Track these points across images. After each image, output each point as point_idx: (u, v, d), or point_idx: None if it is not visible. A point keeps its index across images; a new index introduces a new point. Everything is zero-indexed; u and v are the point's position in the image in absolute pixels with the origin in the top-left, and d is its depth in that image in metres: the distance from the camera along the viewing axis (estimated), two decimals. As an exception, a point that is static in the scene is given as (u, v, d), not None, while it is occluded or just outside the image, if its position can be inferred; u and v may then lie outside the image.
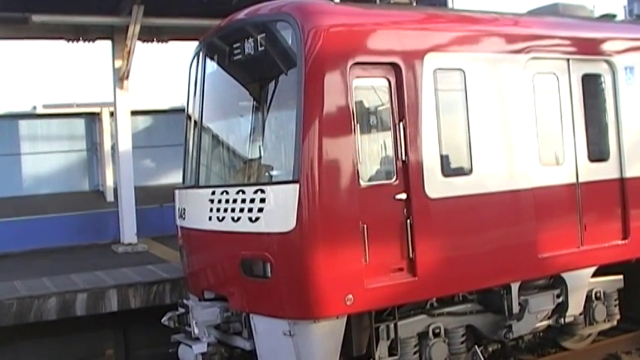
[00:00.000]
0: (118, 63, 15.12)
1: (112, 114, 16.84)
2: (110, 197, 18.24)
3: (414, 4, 9.23)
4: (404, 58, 8.00)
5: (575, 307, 9.50)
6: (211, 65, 9.07)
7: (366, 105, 7.85)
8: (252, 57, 8.25)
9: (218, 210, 8.29)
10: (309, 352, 7.61)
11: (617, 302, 10.19)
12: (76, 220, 17.20)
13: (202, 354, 8.31)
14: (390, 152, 7.94)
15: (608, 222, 9.71)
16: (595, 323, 9.97)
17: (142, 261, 13.24)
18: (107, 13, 14.40)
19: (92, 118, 19.43)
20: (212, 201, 8.40)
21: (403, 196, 7.93)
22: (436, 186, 8.12)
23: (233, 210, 8.02)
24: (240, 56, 8.46)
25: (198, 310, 8.44)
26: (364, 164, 7.72)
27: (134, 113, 16.76)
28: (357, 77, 7.69)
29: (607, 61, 9.86)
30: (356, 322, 7.92)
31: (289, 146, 7.56)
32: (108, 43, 15.39)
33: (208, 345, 8.37)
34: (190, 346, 8.31)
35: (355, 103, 7.65)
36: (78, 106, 21.17)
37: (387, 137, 7.95)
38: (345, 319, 7.73)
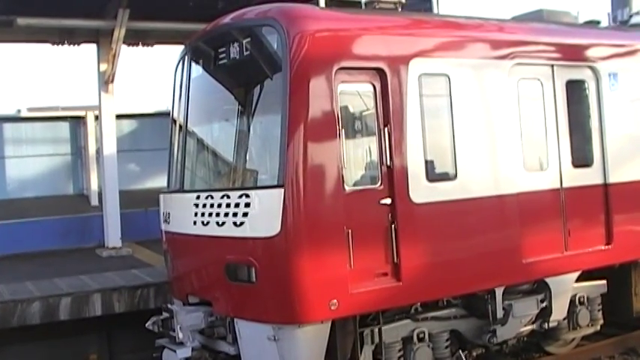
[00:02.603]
0: (103, 66, 15.09)
1: (96, 117, 16.80)
2: (95, 201, 18.17)
3: (400, 9, 9.28)
4: (389, 63, 8.02)
5: (559, 311, 9.54)
6: (197, 69, 9.06)
7: (351, 110, 7.87)
8: (237, 61, 8.25)
9: (203, 214, 8.27)
10: (294, 357, 7.62)
11: (600, 307, 10.23)
12: (61, 224, 17.10)
13: (186, 359, 8.29)
14: (375, 157, 7.96)
15: (591, 227, 9.76)
16: (579, 328, 10.01)
17: (126, 265, 13.23)
18: (93, 16, 14.36)
19: (77, 122, 19.38)
20: (197, 205, 8.39)
21: (388, 201, 7.94)
22: (421, 191, 8.14)
23: (218, 214, 8.01)
24: (225, 60, 8.45)
25: (182, 315, 8.41)
26: (349, 169, 7.73)
27: (119, 117, 16.72)
28: (343, 82, 7.70)
29: (591, 68, 9.92)
30: (340, 326, 7.92)
31: (274, 151, 7.56)
32: (93, 47, 15.37)
33: (192, 349, 8.36)
34: (174, 351, 8.29)
35: (340, 108, 7.66)
36: (63, 109, 21.09)
37: (372, 142, 7.97)
38: (330, 324, 7.73)
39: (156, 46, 15.96)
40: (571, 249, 9.47)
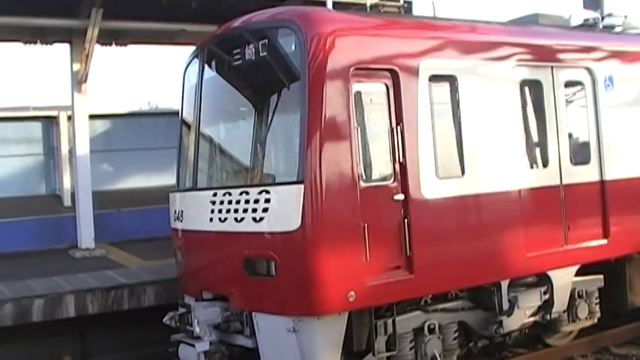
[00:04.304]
0: (77, 66, 15.01)
1: (69, 118, 16.73)
2: (67, 202, 18.07)
3: (403, 12, 9.58)
4: (401, 64, 8.32)
5: (560, 304, 9.88)
6: (210, 71, 9.28)
7: (366, 109, 8.13)
8: (252, 63, 8.49)
9: (220, 211, 8.49)
10: (313, 348, 7.85)
11: (597, 300, 10.58)
12: (33, 225, 16.99)
13: (204, 352, 8.48)
14: (388, 154, 8.23)
15: (589, 222, 10.10)
16: (578, 320, 10.34)
17: (100, 266, 13.20)
18: (65, 15, 14.22)
19: (49, 122, 19.29)
20: (214, 202, 8.61)
21: (401, 196, 8.23)
22: (431, 187, 8.44)
23: (236, 211, 8.24)
24: (240, 62, 8.69)
25: (199, 310, 8.62)
26: (364, 166, 7.99)
27: (92, 117, 16.68)
28: (357, 82, 7.98)
29: (588, 69, 10.29)
30: (356, 318, 8.17)
31: (293, 148, 7.81)
32: (66, 46, 15.28)
33: (210, 344, 8.55)
34: (193, 345, 8.48)
35: (355, 107, 7.94)
36: (35, 109, 20.99)
37: (385, 140, 8.24)
38: (347, 315, 7.99)
39: (130, 46, 15.93)
40: (571, 243, 9.81)
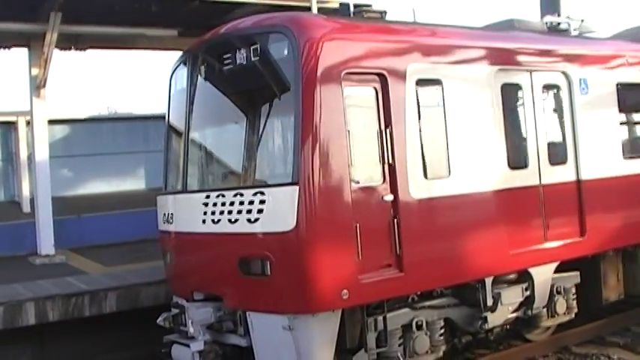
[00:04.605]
0: (35, 71, 14.91)
1: (28, 123, 16.63)
2: (27, 208, 17.98)
3: (385, 17, 9.81)
4: (389, 68, 8.57)
5: (541, 299, 10.20)
6: (200, 75, 9.41)
7: (356, 112, 8.35)
8: (244, 67, 8.66)
9: (213, 213, 8.65)
10: (308, 345, 8.05)
11: (575, 296, 10.93)
12: None
13: (199, 352, 8.62)
14: (378, 156, 8.47)
15: (567, 221, 10.44)
16: (556, 316, 10.68)
17: (60, 273, 13.09)
18: (24, 19, 14.09)
19: (8, 127, 19.17)
20: (206, 204, 8.76)
21: (390, 197, 8.47)
22: (419, 187, 8.70)
23: (230, 212, 8.40)
24: (231, 66, 8.86)
25: (193, 310, 8.76)
26: (355, 167, 8.21)
27: (51, 122, 16.56)
28: (348, 86, 8.21)
29: (564, 73, 10.64)
30: (349, 315, 8.39)
31: (288, 150, 8.02)
32: (24, 51, 15.15)
33: (204, 343, 8.70)
34: (188, 345, 8.62)
35: (347, 110, 8.16)
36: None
37: (375, 142, 8.47)
38: (340, 312, 8.21)
39: (89, 51, 15.88)
40: (550, 241, 10.14)
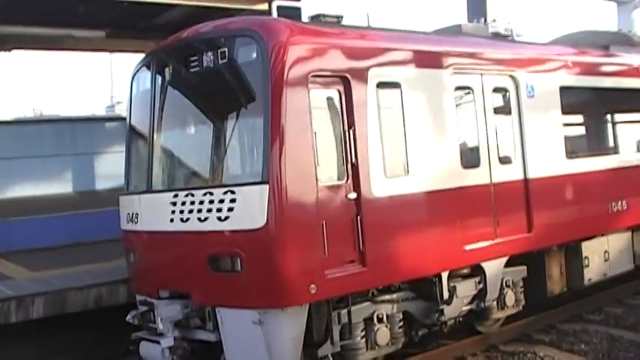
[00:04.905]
0: None
1: None
2: None
3: (341, 22, 10.16)
4: (352, 71, 8.92)
5: (493, 292, 10.70)
6: (165, 77, 9.57)
7: (322, 113, 8.68)
8: (211, 70, 8.89)
9: (182, 212, 8.85)
10: (278, 339, 8.33)
11: (522, 289, 11.49)
12: None
13: (169, 348, 8.81)
14: (342, 156, 8.81)
15: (515, 217, 10.96)
16: (506, 308, 11.21)
17: None
18: None
19: None
20: (174, 204, 8.96)
21: (354, 195, 8.81)
22: (380, 186, 9.07)
23: (200, 211, 8.62)
24: (197, 69, 9.07)
25: (162, 307, 8.94)
26: (321, 167, 8.53)
27: None
28: (314, 88, 8.53)
29: (512, 77, 11.18)
30: (315, 309, 8.69)
31: (257, 151, 8.29)
32: None
33: (174, 340, 8.89)
34: (158, 342, 8.79)
35: (313, 111, 8.48)
36: None
37: (339, 142, 8.81)
38: (307, 307, 8.51)
39: (14, 51, 15.77)
40: (500, 237, 10.63)
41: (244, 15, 13.06)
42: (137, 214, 9.69)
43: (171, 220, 8.99)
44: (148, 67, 9.99)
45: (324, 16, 9.87)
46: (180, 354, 8.97)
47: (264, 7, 13.23)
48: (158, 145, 9.65)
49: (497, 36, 12.48)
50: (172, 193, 9.08)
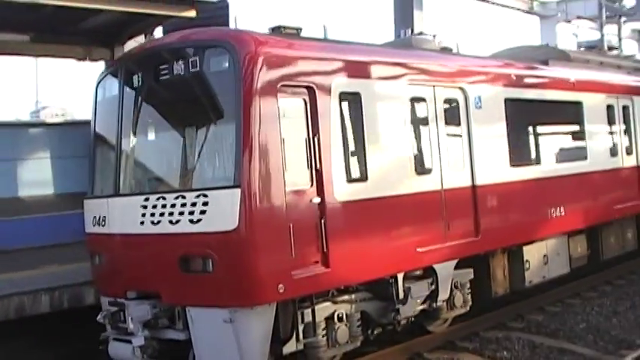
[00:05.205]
0: None
1: None
2: None
3: (300, 33, 10.63)
4: (317, 82, 9.40)
5: (444, 293, 11.28)
6: (134, 84, 9.84)
7: (289, 121, 9.10)
8: (182, 78, 9.23)
9: (153, 215, 9.15)
10: (248, 336, 8.70)
11: (469, 291, 12.12)
12: None
13: (140, 347, 9.07)
14: (307, 162, 9.26)
15: (464, 222, 11.58)
16: (455, 308, 11.83)
17: None
18: None
19: None
20: (145, 207, 9.25)
21: (318, 199, 9.27)
22: (342, 191, 9.55)
23: (171, 214, 8.94)
24: (167, 77, 9.40)
25: (132, 307, 9.20)
26: (289, 172, 8.97)
27: None
28: (282, 97, 8.97)
29: (461, 89, 11.83)
30: (282, 308, 9.11)
31: (229, 156, 8.67)
32: None
33: (144, 339, 9.16)
34: (129, 341, 9.05)
35: (281, 119, 8.92)
36: None
37: (305, 149, 9.26)
38: (275, 305, 8.92)
39: None
40: (450, 240, 11.23)
41: (170, 21, 13.37)
42: (105, 217, 9.92)
43: (142, 223, 9.27)
44: (114, 75, 10.26)
45: (285, 27, 10.32)
46: (150, 353, 9.23)
47: (192, 14, 13.34)
48: (127, 150, 9.92)
49: (444, 50, 13.15)
50: (143, 197, 9.36)
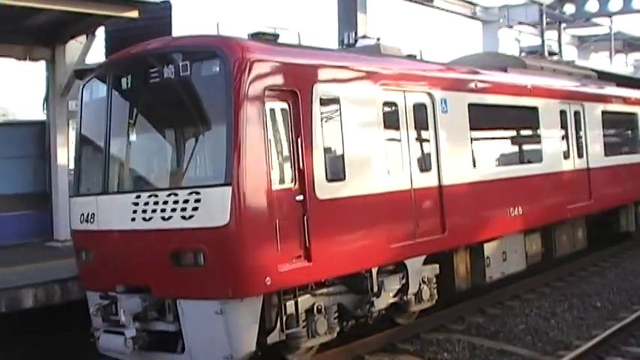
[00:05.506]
0: None
1: None
2: None
3: (277, 39, 11.17)
4: (300, 86, 9.96)
5: (414, 287, 11.94)
6: (122, 87, 10.26)
7: (275, 124, 9.66)
8: (173, 81, 9.70)
9: (144, 211, 9.58)
10: (237, 327, 9.21)
11: (435, 285, 12.79)
12: None
13: (132, 338, 9.48)
14: (291, 162, 9.81)
15: (432, 219, 12.25)
16: (423, 302, 12.47)
17: None
18: None
19: None
20: (136, 204, 9.67)
21: (300, 197, 9.83)
22: (323, 189, 10.12)
23: (163, 210, 9.39)
24: (157, 80, 9.85)
25: (124, 300, 9.61)
26: (274, 171, 9.51)
27: None
28: (269, 101, 9.51)
29: (429, 94, 12.51)
30: (267, 300, 9.63)
31: (220, 156, 9.16)
32: None
33: (136, 330, 9.58)
34: (122, 333, 9.45)
35: (268, 122, 9.46)
36: None
37: (289, 150, 9.81)
38: (262, 298, 9.44)
39: None
40: (419, 237, 11.89)
41: (113, 21, 13.69)
42: (93, 214, 10.30)
43: (133, 220, 9.70)
44: (102, 77, 10.67)
45: (263, 34, 10.85)
46: (140, 344, 9.63)
47: (134, 14, 13.53)
48: (115, 150, 10.33)
49: (409, 56, 13.83)
50: (134, 194, 9.79)
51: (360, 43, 13.12)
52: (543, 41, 31.75)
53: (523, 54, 35.08)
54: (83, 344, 10.47)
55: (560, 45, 35.29)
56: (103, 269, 10.29)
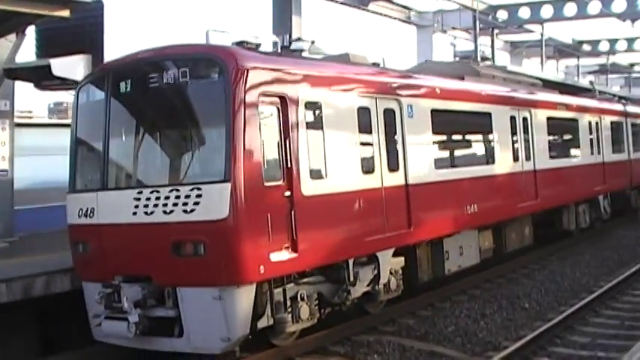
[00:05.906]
0: None
1: None
2: None
3: (259, 47, 12.08)
4: (287, 92, 10.91)
5: (384, 278, 12.98)
6: (121, 90, 11.00)
7: (267, 126, 10.58)
8: (172, 86, 10.54)
9: (146, 206, 10.38)
10: (234, 311, 10.08)
11: (401, 277, 13.86)
12: None
13: (134, 323, 10.25)
14: (280, 161, 10.75)
15: (399, 215, 13.31)
16: (390, 292, 13.54)
17: None
18: None
19: None
20: (138, 199, 10.47)
21: (288, 193, 10.77)
22: (307, 186, 11.08)
23: (165, 205, 10.21)
24: (157, 85, 10.66)
25: (127, 288, 10.37)
26: (267, 169, 10.43)
27: None
28: (262, 105, 10.45)
29: (397, 100, 13.59)
30: (258, 288, 10.53)
31: (220, 155, 10.04)
32: None
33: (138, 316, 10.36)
34: (125, 319, 10.21)
35: (261, 124, 10.38)
36: None
37: (278, 149, 10.74)
38: (255, 285, 10.34)
39: None
40: (389, 231, 12.93)
41: (43, 20, 13.82)
42: (93, 208, 11.02)
43: (134, 214, 10.48)
44: (99, 81, 11.43)
45: (247, 42, 11.75)
46: (141, 329, 10.41)
47: (66, 13, 13.53)
48: (115, 149, 11.09)
49: (374, 65, 14.88)
50: (136, 190, 10.59)
51: (295, 45, 13.46)
52: (477, 47, 32.58)
53: (457, 58, 36.20)
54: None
55: (493, 50, 36.34)
56: (103, 260, 11.01)
